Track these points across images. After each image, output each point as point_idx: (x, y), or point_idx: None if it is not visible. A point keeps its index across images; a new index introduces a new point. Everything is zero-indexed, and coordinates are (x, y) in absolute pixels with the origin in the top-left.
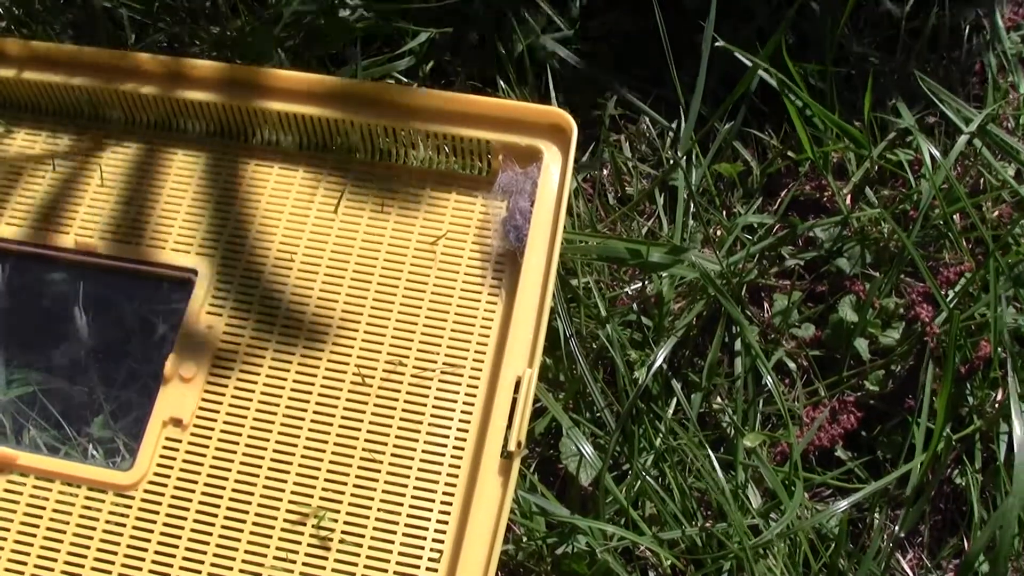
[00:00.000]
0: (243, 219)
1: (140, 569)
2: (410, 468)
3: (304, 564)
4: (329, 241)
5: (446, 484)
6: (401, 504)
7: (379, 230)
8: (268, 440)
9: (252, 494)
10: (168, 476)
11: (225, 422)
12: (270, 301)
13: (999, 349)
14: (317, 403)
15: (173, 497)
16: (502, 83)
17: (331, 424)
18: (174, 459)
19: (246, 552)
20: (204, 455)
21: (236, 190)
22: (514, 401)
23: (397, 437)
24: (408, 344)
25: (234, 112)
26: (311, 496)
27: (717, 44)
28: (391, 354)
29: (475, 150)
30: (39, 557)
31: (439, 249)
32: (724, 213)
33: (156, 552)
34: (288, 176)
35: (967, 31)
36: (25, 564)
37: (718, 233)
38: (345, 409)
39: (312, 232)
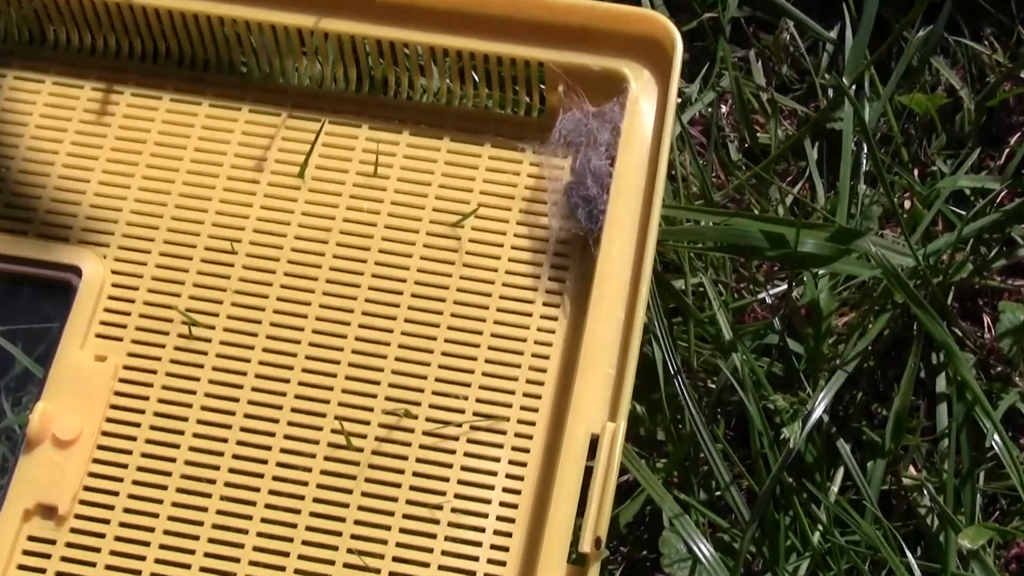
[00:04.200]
0: (153, 189)
1: None
2: None
3: None
4: (292, 222)
5: None
6: None
7: (372, 204)
8: (198, 540)
9: None
10: None
11: (128, 510)
12: (200, 316)
13: None
14: (275, 478)
15: None
16: None
17: (297, 512)
18: (43, 571)
19: None
20: (93, 563)
21: (140, 143)
22: (588, 473)
23: (402, 532)
24: (419, 382)
25: (125, 15)
26: None
27: None
28: (393, 399)
29: (521, 77)
30: None
31: (465, 234)
32: (917, 173)
33: None
34: (225, 120)
35: None
36: None
37: (908, 205)
38: (320, 488)
39: (264, 208)
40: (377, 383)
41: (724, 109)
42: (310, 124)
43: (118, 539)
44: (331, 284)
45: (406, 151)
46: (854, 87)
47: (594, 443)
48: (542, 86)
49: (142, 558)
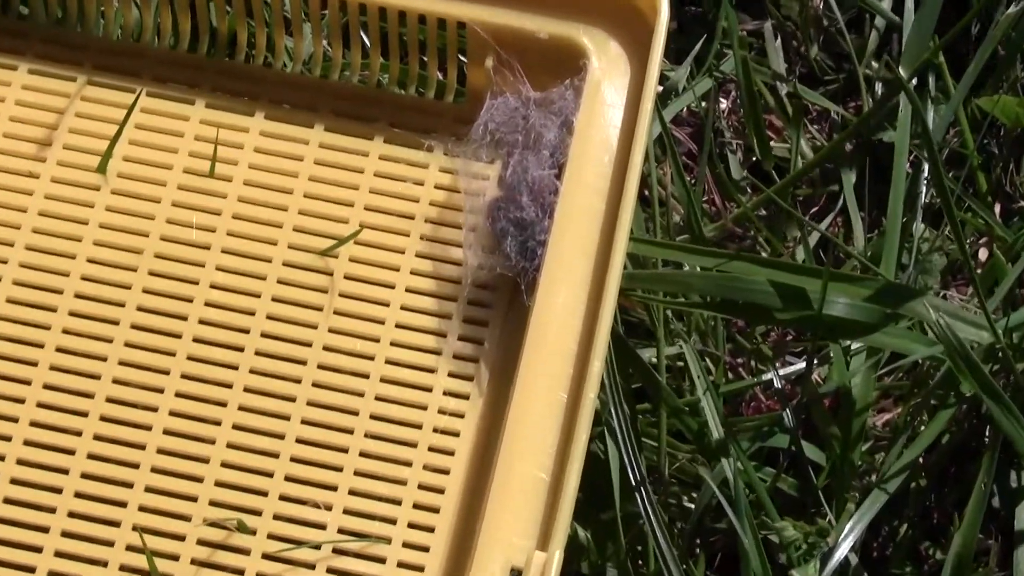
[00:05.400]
0: None
1: None
2: None
3: None
4: (86, 236)
5: None
6: None
7: (205, 217)
8: None
9: None
10: None
11: None
12: None
13: None
14: None
15: None
16: None
17: None
18: None
19: None
20: None
21: None
22: None
23: None
24: (261, 481)
25: None
26: None
27: None
28: (220, 505)
29: (432, 43)
30: None
31: (340, 267)
32: (998, 210)
33: None
34: None
35: None
36: None
37: (984, 256)
38: None
39: (45, 214)
40: (199, 480)
41: (725, 105)
42: (119, 95)
43: None
44: (139, 332)
45: (259, 142)
46: (914, 82)
47: None
48: (462, 57)
49: None
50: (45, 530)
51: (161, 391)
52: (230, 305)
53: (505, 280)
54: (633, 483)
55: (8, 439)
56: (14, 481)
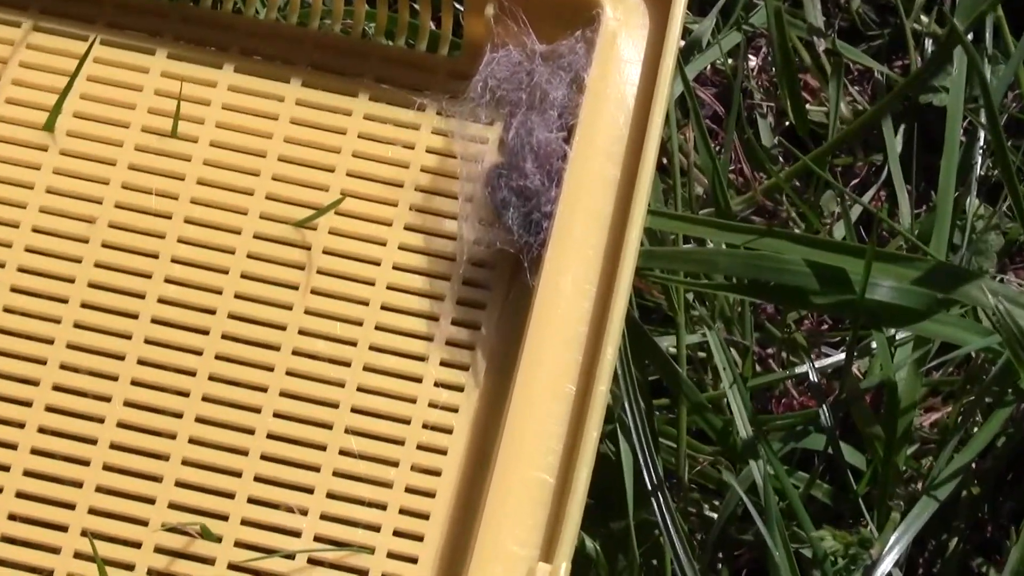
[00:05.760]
0: None
1: None
2: None
3: None
4: (31, 203)
5: None
6: None
7: (166, 182)
8: None
9: None
10: None
11: None
12: None
13: None
14: None
15: None
16: None
17: None
18: None
19: None
20: None
21: None
22: None
23: None
24: (228, 481)
25: None
26: None
27: None
28: (181, 507)
29: None
30: None
31: (318, 240)
32: None
33: None
34: None
35: None
36: None
37: None
38: None
39: None
40: (158, 479)
41: (755, 62)
42: (69, 43)
43: None
44: (91, 311)
45: (228, 99)
46: (968, 38)
47: None
48: (458, 5)
49: None
50: None
51: (115, 378)
52: (194, 282)
53: (505, 257)
54: (649, 488)
55: None
56: None
